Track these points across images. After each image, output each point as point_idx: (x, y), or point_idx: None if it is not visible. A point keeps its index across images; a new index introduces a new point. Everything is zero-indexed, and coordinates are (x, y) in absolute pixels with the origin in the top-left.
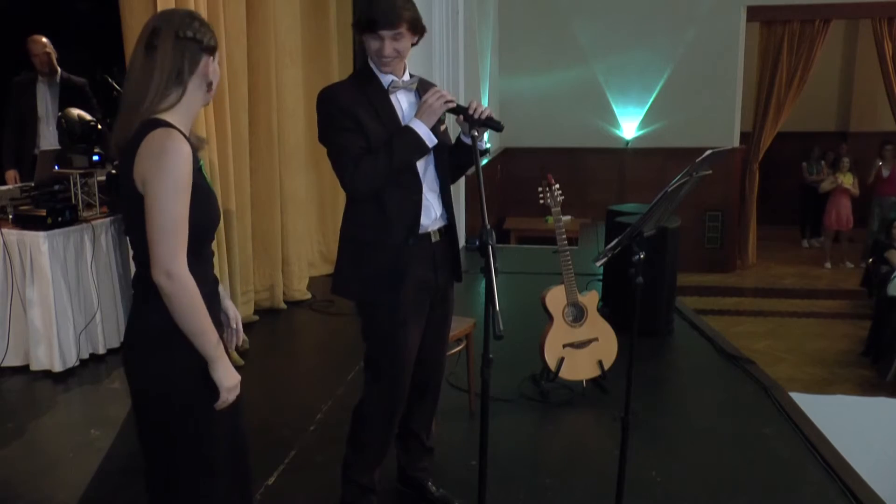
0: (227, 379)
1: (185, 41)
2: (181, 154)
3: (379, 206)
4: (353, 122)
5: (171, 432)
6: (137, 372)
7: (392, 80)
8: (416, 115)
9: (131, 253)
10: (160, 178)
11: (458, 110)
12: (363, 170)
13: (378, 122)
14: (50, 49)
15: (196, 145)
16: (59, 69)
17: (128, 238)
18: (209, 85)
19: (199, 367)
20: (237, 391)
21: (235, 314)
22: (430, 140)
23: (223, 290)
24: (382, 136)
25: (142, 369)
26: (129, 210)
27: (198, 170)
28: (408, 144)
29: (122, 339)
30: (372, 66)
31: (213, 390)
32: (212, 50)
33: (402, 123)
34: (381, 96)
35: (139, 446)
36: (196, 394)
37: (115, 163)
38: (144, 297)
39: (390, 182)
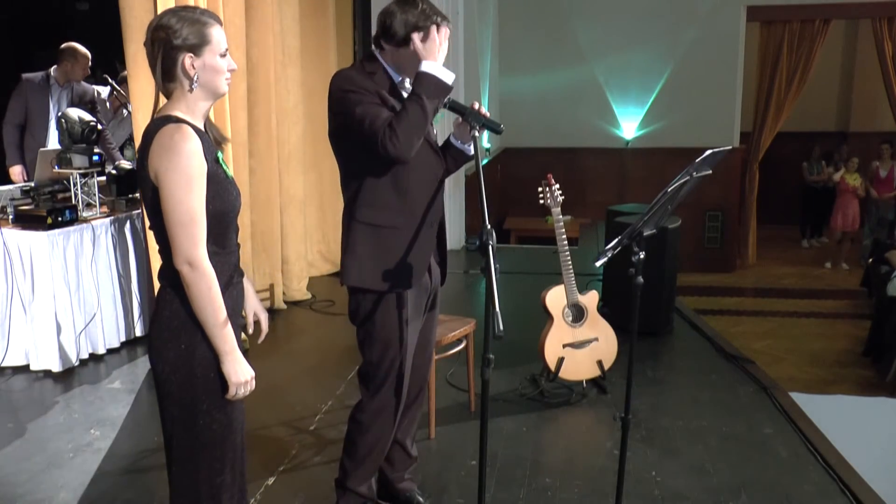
0: (236, 374)
1: (161, 42)
2: (191, 148)
3: (398, 188)
4: (378, 98)
5: (190, 419)
6: (160, 360)
7: (401, 79)
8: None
9: (156, 247)
10: (172, 172)
11: (457, 108)
12: (401, 126)
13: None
14: (89, 62)
15: (216, 139)
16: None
17: (151, 231)
18: (193, 81)
19: (219, 357)
20: (250, 386)
21: (264, 315)
22: (448, 76)
23: (249, 286)
24: None
25: (164, 357)
26: (148, 203)
27: (214, 160)
28: (430, 87)
29: (122, 339)
30: (381, 60)
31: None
32: (190, 48)
33: None
34: (391, 88)
35: (161, 434)
36: (214, 383)
37: (116, 163)
38: (168, 288)
39: (411, 162)
